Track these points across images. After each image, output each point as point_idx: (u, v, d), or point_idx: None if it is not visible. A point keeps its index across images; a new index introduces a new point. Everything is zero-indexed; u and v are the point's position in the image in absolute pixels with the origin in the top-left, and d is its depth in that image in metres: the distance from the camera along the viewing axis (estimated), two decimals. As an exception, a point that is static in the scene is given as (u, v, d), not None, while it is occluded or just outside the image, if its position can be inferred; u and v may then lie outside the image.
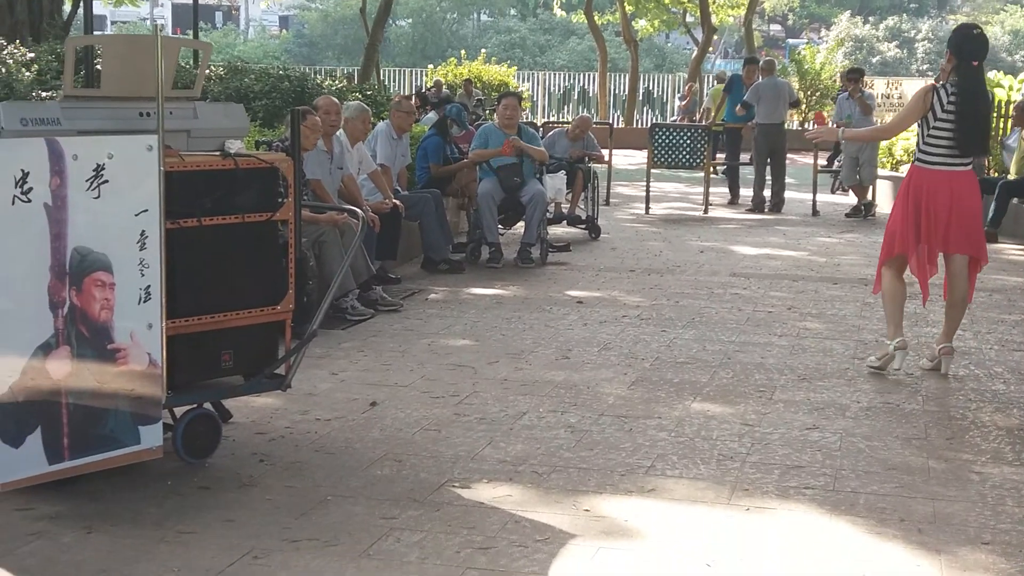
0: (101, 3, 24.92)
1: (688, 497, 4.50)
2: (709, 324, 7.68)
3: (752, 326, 7.64)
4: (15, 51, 8.46)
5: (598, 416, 5.54)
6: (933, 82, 6.55)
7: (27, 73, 8.03)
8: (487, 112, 18.43)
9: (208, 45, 5.20)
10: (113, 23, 46.01)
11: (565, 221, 11.71)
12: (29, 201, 3.97)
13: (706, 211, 14.01)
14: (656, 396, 5.92)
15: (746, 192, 14.80)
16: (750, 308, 8.23)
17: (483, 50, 30.50)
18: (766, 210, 14.25)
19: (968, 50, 6.29)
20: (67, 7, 14.47)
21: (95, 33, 6.95)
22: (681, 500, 4.46)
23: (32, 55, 8.67)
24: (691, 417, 5.56)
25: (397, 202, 8.75)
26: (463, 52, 29.20)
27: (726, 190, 15.35)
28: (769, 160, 14.28)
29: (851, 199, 14.60)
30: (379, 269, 8.38)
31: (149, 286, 4.31)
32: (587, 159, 12.15)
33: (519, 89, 25.90)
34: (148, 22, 53.13)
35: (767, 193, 14.38)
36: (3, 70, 7.72)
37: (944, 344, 6.43)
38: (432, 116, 11.60)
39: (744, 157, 15.29)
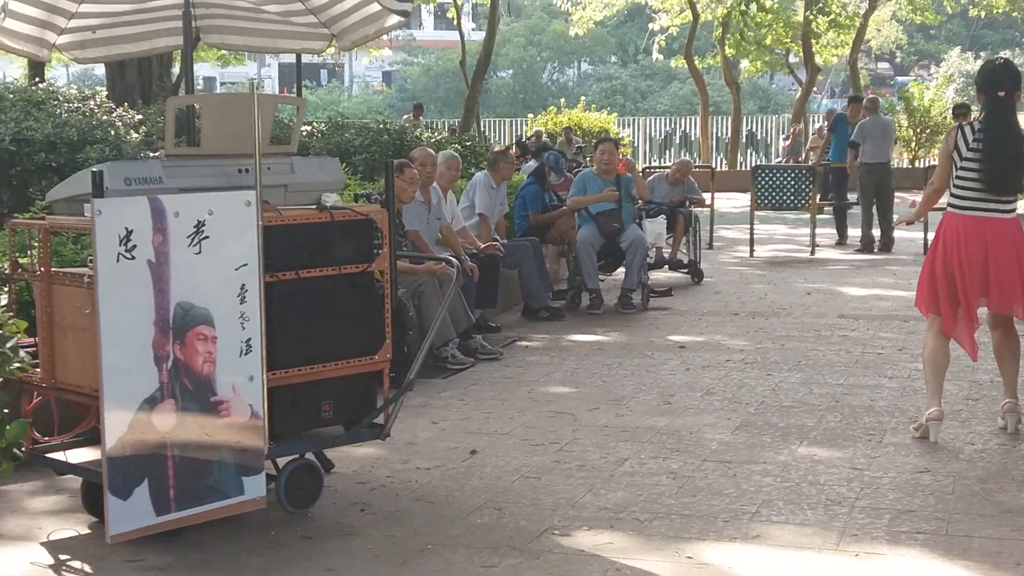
0: (209, 65, 25.80)
1: (794, 543, 4.39)
2: (816, 367, 7.53)
3: (861, 368, 7.47)
4: (124, 113, 8.77)
5: (701, 462, 5.45)
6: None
7: (135, 135, 8.31)
8: (587, 159, 18.47)
9: (303, 101, 5.32)
10: (222, 83, 47.47)
11: (667, 266, 11.63)
12: (133, 258, 4.08)
13: (813, 252, 13.79)
14: (761, 441, 5.81)
15: (854, 232, 14.55)
16: (859, 350, 8.05)
17: (583, 97, 30.64)
18: (875, 250, 13.98)
19: (992, 81, 5.82)
20: (176, 70, 14.98)
21: (197, 93, 7.22)
22: (787, 547, 4.36)
23: (140, 117, 8.98)
24: (797, 462, 5.43)
25: (473, 266, 8.25)
26: (563, 101, 29.37)
27: (834, 231, 15.10)
28: (876, 200, 14.03)
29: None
30: (479, 318, 8.41)
31: (250, 339, 4.39)
32: (688, 203, 12.08)
33: (619, 135, 25.92)
34: (256, 82, 54.60)
35: (876, 233, 14.12)
36: (112, 132, 8.00)
37: (1006, 400, 5.89)
38: (532, 164, 11.65)
39: (852, 197, 15.03)
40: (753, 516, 4.69)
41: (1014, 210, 5.83)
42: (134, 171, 4.39)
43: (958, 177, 5.81)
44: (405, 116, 23.58)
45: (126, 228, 4.06)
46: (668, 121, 33.57)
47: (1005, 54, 52.93)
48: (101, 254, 4.02)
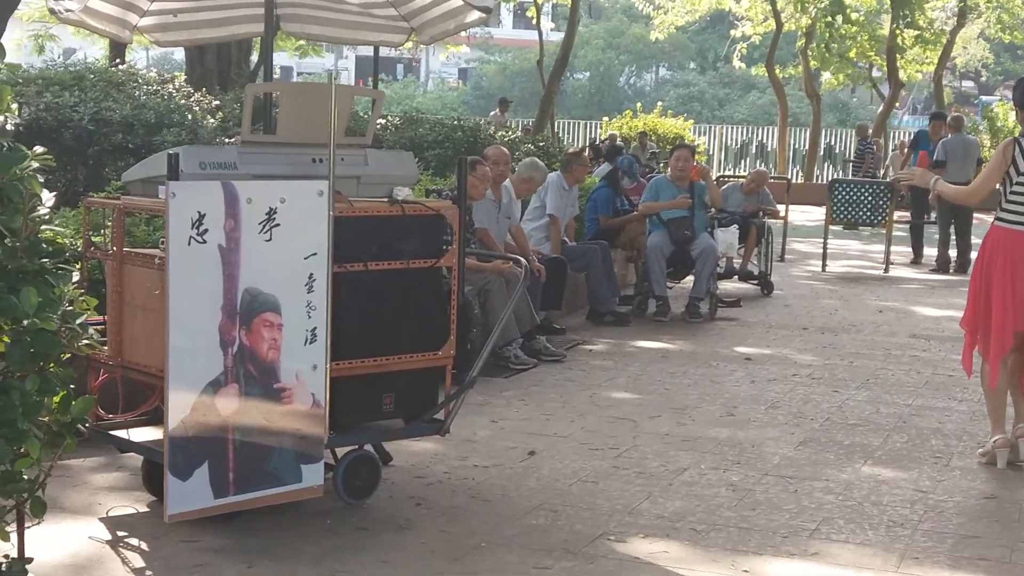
0: (287, 54, 26.07)
1: (854, 563, 4.31)
2: (884, 386, 7.40)
3: (931, 390, 7.32)
4: (202, 99, 8.87)
5: (762, 475, 5.38)
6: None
7: (211, 120, 8.41)
8: (661, 165, 18.34)
9: (381, 94, 5.33)
10: (299, 74, 47.94)
11: (736, 276, 11.51)
12: (204, 242, 4.11)
13: (887, 270, 13.57)
14: (824, 458, 5.72)
15: (930, 251, 14.29)
16: (929, 371, 7.90)
17: (659, 103, 30.46)
18: (951, 270, 13.71)
19: None
20: (255, 58, 15.12)
21: (274, 81, 7.27)
22: (847, 566, 4.28)
23: (217, 103, 9.08)
24: (861, 481, 5.34)
25: (540, 267, 8.20)
26: (639, 105, 29.22)
27: (909, 249, 14.85)
28: (954, 219, 13.77)
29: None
30: (544, 319, 8.37)
31: (315, 328, 4.40)
32: (761, 214, 11.94)
33: (695, 142, 25.71)
34: (334, 72, 54.99)
35: (952, 253, 13.85)
36: (189, 117, 8.10)
37: (1019, 425, 5.66)
38: (604, 168, 11.60)
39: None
40: (813, 533, 4.61)
41: None
42: (209, 156, 4.42)
43: (1012, 192, 5.62)
44: (492, 112, 23.49)
45: (199, 212, 4.09)
46: (745, 130, 33.25)
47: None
48: (173, 236, 4.06)
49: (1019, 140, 5.67)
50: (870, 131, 22.82)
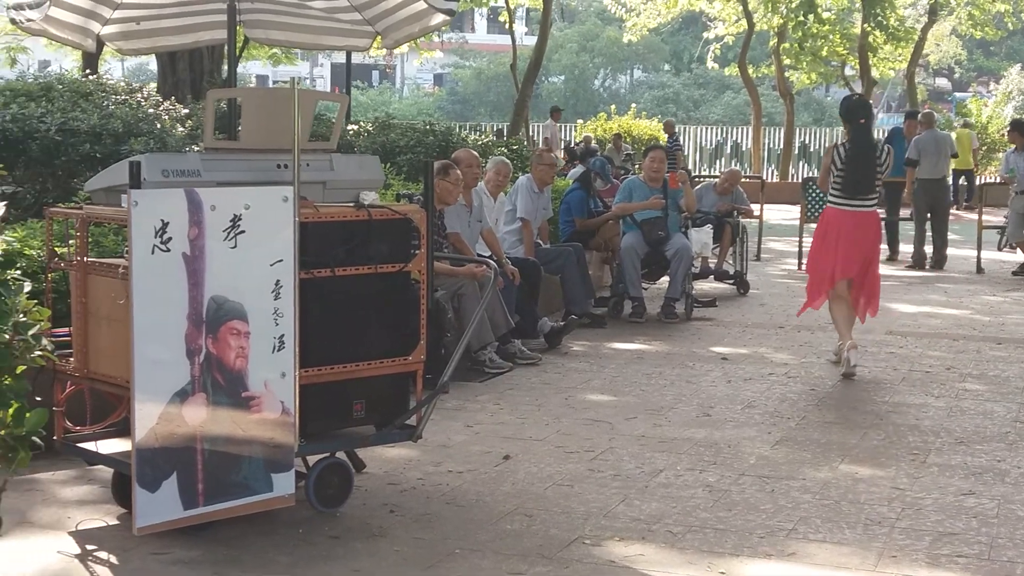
0: (261, 63, 26.01)
1: (831, 562, 4.28)
2: (861, 383, 7.39)
3: (907, 386, 7.31)
4: (170, 107, 8.78)
5: (738, 476, 5.34)
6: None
7: (181, 129, 8.31)
8: (636, 167, 18.34)
9: (345, 98, 5.29)
10: (275, 82, 47.76)
11: (712, 276, 11.49)
12: (168, 251, 4.05)
13: (861, 267, 13.56)
14: (801, 457, 5.69)
15: (906, 248, 14.32)
16: (906, 367, 7.89)
17: (633, 105, 30.50)
18: (927, 267, 13.75)
19: (855, 113, 7.79)
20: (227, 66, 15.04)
21: (237, 87, 7.19)
22: (824, 565, 4.25)
23: (186, 111, 8.99)
24: (838, 479, 5.31)
25: (514, 270, 8.14)
26: (612, 107, 29.22)
27: (884, 246, 14.85)
28: (931, 216, 13.81)
29: (1018, 256, 13.99)
30: (518, 322, 8.32)
31: (283, 335, 4.34)
32: (735, 213, 11.93)
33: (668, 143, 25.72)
34: (309, 81, 54.87)
35: (928, 249, 13.88)
36: (158, 126, 8.02)
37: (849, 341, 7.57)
38: (579, 170, 11.58)
39: (905, 212, 14.81)
40: (790, 533, 4.58)
41: (874, 204, 7.78)
42: (172, 163, 4.36)
43: (835, 182, 7.73)
44: (547, 122, 23.08)
45: (162, 220, 4.03)
46: (720, 131, 33.33)
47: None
48: (136, 245, 4.00)
49: (838, 146, 7.84)
50: (676, 128, 23.41)
